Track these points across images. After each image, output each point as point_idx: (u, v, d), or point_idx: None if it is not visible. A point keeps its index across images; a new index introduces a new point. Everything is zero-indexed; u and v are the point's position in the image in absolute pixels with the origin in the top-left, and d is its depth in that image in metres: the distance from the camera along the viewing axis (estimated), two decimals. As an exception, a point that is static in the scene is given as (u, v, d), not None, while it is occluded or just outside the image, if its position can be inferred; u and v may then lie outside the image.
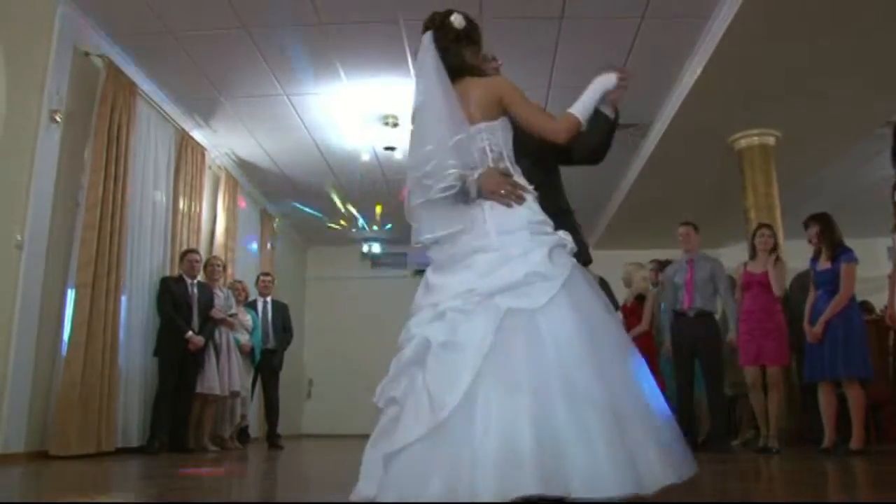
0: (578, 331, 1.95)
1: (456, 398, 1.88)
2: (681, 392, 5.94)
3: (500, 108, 2.30)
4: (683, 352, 5.91)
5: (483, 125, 2.28)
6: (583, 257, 2.45)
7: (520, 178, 2.27)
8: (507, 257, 2.08)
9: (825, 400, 5.14)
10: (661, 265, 6.75)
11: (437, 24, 2.38)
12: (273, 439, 7.40)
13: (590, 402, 1.84)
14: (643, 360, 2.10)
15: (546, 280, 2.02)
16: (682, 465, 1.90)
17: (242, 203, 8.90)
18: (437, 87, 2.28)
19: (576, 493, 1.71)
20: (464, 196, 2.21)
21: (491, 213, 2.17)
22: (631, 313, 6.28)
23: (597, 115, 2.40)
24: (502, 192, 2.18)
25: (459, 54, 2.36)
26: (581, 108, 2.32)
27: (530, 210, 2.19)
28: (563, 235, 2.19)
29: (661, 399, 2.06)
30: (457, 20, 2.38)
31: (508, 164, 2.28)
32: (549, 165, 2.71)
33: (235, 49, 6.05)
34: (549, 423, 1.80)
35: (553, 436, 1.78)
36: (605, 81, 2.37)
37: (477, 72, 2.41)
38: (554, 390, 1.85)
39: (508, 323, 1.97)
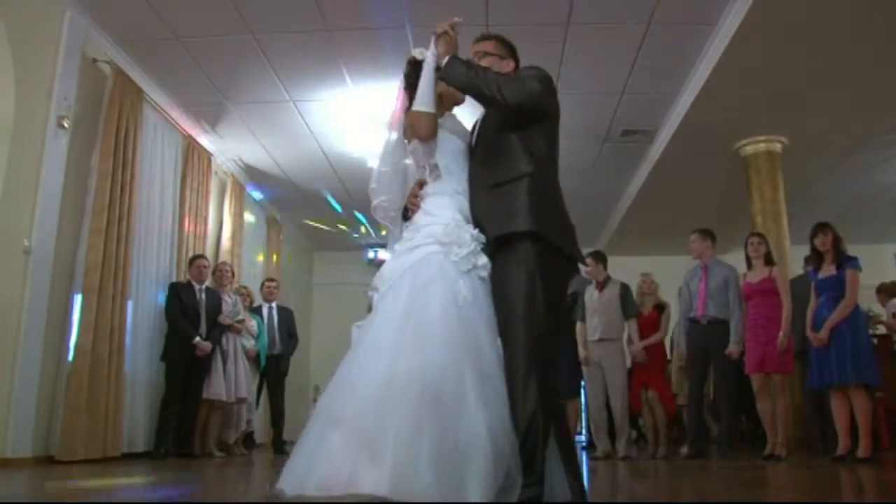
0: (357, 350, 2.32)
1: None
2: (692, 397, 5.95)
3: None
4: (696, 359, 5.89)
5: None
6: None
7: (435, 185, 2.43)
8: None
9: (838, 406, 5.09)
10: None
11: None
12: (279, 445, 7.39)
13: (336, 419, 2.12)
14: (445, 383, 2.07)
15: (375, 294, 2.31)
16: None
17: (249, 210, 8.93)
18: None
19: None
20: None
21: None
22: (648, 323, 6.23)
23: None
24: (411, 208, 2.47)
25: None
26: (421, 100, 2.41)
27: (412, 223, 2.41)
28: (448, 230, 2.27)
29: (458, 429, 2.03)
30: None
31: (427, 173, 2.47)
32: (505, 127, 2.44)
33: (242, 55, 6.08)
34: (312, 432, 2.17)
35: (306, 444, 2.15)
36: (428, 65, 2.42)
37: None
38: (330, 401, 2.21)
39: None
